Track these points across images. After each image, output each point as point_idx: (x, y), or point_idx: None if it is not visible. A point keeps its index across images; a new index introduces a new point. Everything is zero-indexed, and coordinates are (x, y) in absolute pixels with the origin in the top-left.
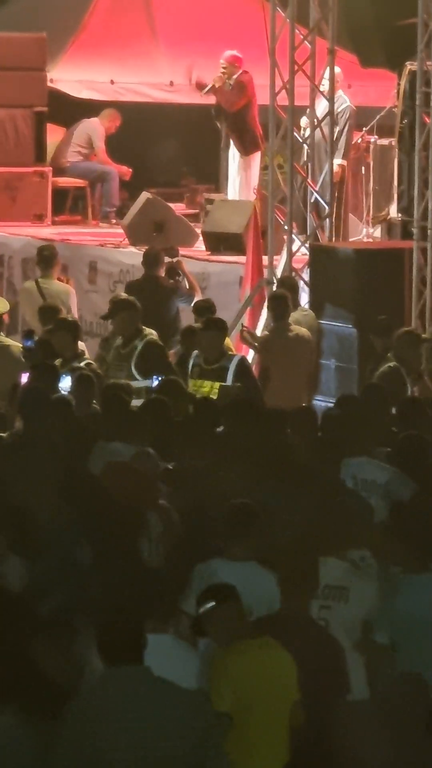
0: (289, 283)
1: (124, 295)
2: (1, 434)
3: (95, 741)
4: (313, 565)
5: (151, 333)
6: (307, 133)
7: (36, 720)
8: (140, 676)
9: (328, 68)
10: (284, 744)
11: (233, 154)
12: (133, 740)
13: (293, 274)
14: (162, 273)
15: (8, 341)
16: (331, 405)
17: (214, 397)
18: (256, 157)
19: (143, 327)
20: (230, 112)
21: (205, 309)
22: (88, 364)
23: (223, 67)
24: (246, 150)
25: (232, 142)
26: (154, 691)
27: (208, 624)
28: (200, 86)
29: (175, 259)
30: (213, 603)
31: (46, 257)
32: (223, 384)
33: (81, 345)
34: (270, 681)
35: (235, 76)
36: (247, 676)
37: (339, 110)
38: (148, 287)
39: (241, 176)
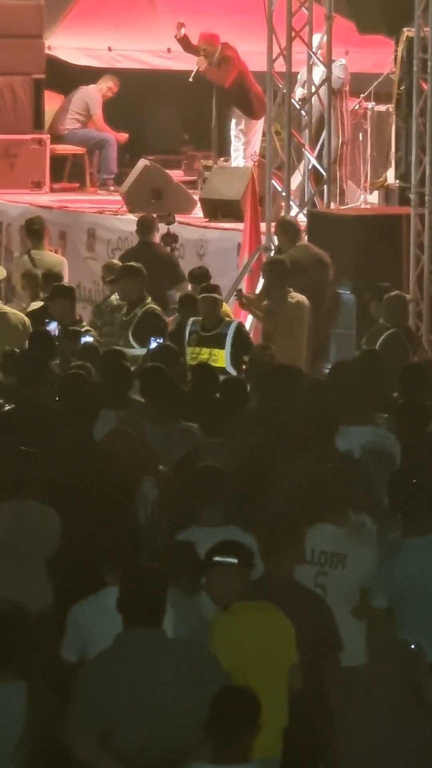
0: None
1: (116, 261)
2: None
3: (107, 702)
4: (298, 530)
5: (153, 304)
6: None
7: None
8: (154, 638)
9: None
10: (283, 708)
11: (235, 123)
12: (145, 702)
13: None
14: (157, 240)
15: (6, 308)
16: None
17: (213, 363)
18: (260, 122)
19: (147, 296)
20: (226, 88)
21: (201, 276)
22: (87, 331)
23: (202, 49)
24: (257, 113)
25: (236, 110)
26: (167, 653)
27: (220, 579)
28: (183, 43)
29: (171, 226)
30: (235, 560)
31: (35, 230)
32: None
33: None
34: (269, 644)
35: (217, 54)
36: (246, 638)
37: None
38: (143, 254)
39: (244, 141)
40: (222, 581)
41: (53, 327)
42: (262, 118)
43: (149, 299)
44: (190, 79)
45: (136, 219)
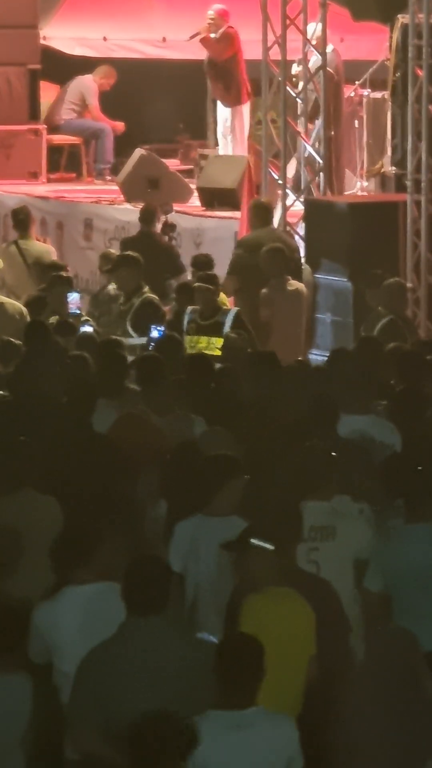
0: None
1: (113, 251)
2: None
3: (109, 690)
4: (297, 515)
5: (150, 293)
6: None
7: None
8: (157, 626)
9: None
10: (299, 696)
11: (221, 109)
12: (147, 690)
13: (288, 228)
14: (157, 229)
15: (3, 298)
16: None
17: (211, 352)
18: (245, 109)
19: (144, 285)
20: (218, 61)
21: (205, 263)
22: (85, 321)
23: (211, 19)
24: (231, 101)
25: (217, 96)
26: (170, 641)
27: (255, 562)
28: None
29: (168, 215)
30: (272, 546)
31: (21, 220)
32: (228, 333)
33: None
34: (292, 632)
35: (221, 30)
36: (273, 623)
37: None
38: (143, 243)
39: (233, 127)
40: (257, 565)
41: (75, 298)
42: (246, 105)
43: (146, 288)
44: (189, 39)
45: (133, 208)
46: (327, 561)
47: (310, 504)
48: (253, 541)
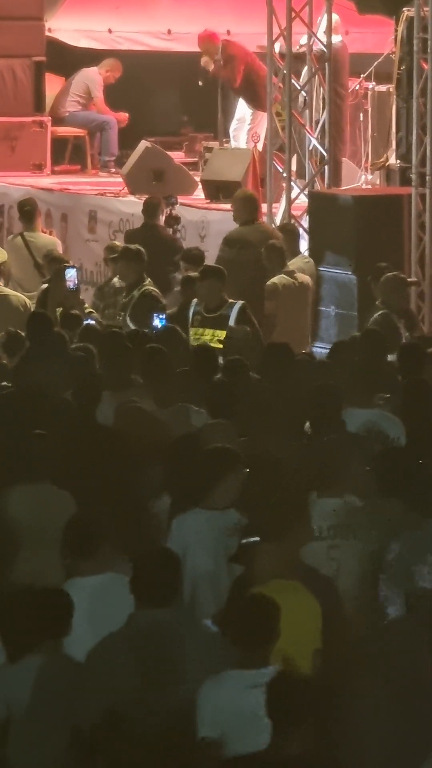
0: (289, 229)
1: (118, 243)
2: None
3: (116, 681)
4: (300, 508)
5: (151, 286)
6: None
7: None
8: (166, 618)
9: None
10: None
11: (242, 106)
12: (155, 682)
13: (292, 221)
14: (161, 222)
15: (7, 290)
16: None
17: (215, 345)
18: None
19: (145, 278)
20: (236, 85)
21: (196, 258)
22: (89, 313)
23: (205, 51)
24: (264, 105)
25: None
26: (179, 633)
27: (260, 556)
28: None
29: (172, 208)
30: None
31: (27, 212)
32: (231, 326)
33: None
34: (299, 625)
35: (219, 53)
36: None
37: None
38: (147, 236)
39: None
40: (261, 558)
41: (72, 275)
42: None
43: (147, 281)
44: (199, 83)
45: (138, 201)
46: (347, 558)
47: (325, 501)
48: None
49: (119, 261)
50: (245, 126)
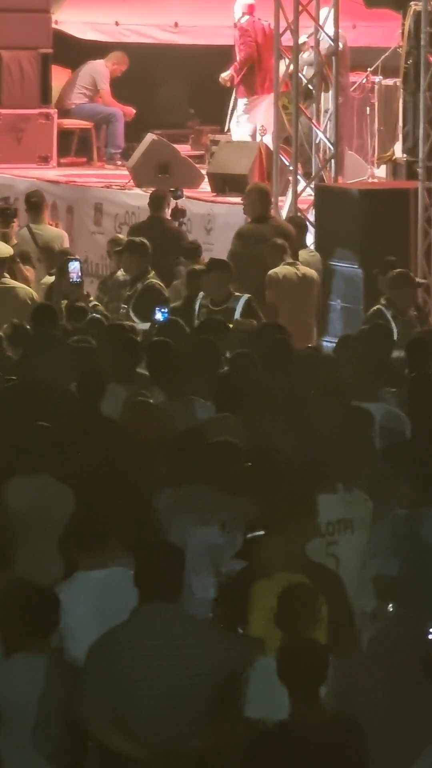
0: (297, 222)
1: (122, 236)
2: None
3: (119, 675)
4: (306, 503)
5: (156, 278)
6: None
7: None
8: (170, 612)
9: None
10: None
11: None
12: (158, 676)
13: (298, 214)
14: (167, 215)
15: (14, 283)
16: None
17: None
18: (263, 97)
19: (150, 271)
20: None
21: (194, 251)
22: (94, 306)
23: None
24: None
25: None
26: (182, 627)
27: (264, 549)
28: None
29: (178, 201)
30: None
31: (34, 203)
32: (237, 319)
33: None
34: None
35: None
36: None
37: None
38: (153, 229)
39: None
40: (266, 551)
41: (75, 267)
42: (268, 95)
43: (152, 274)
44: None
45: (144, 193)
46: (346, 553)
47: (322, 497)
48: (247, 536)
49: (124, 253)
50: (242, 116)
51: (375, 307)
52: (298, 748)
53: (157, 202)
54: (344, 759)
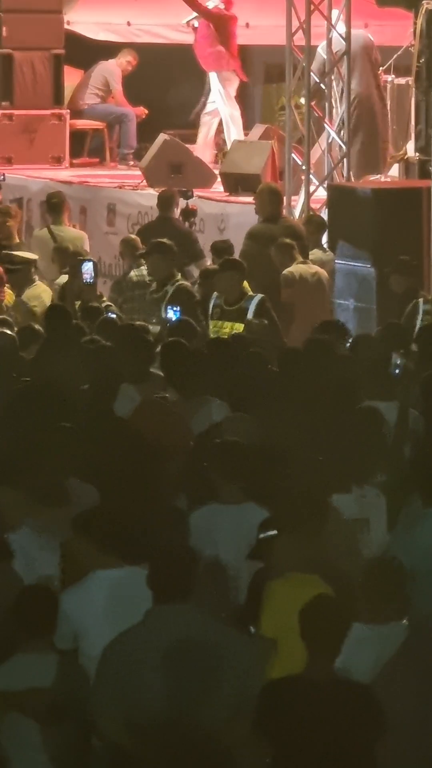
0: (315, 221)
1: (134, 237)
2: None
3: (133, 677)
4: (319, 504)
5: (183, 280)
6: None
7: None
8: (183, 614)
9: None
10: None
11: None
12: (172, 677)
13: (311, 213)
14: (177, 215)
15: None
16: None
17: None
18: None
19: (177, 273)
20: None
21: (223, 250)
22: (107, 307)
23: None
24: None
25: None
26: (196, 629)
27: (276, 551)
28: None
29: (189, 201)
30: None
31: (54, 204)
32: (249, 319)
33: None
34: None
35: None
36: (295, 611)
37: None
38: (162, 229)
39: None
40: (281, 551)
41: (88, 268)
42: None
43: (179, 276)
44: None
45: (156, 194)
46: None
47: (337, 498)
48: (260, 536)
49: (152, 255)
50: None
51: (412, 302)
52: (310, 701)
53: (165, 202)
54: (353, 719)
